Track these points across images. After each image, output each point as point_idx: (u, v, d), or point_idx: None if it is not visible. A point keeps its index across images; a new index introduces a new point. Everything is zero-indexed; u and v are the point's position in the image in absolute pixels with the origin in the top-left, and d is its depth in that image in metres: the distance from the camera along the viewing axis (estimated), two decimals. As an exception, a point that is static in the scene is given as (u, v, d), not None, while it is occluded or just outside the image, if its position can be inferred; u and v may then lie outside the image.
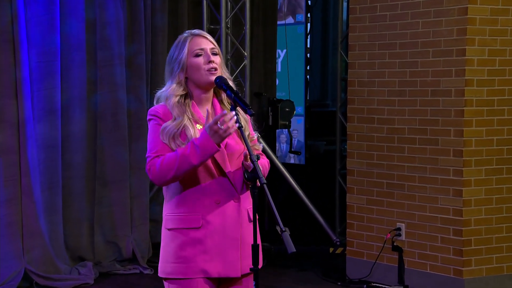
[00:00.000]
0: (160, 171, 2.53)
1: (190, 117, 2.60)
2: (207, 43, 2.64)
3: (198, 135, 2.55)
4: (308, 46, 7.35)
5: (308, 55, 7.34)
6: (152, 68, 5.90)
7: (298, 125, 7.25)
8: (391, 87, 5.15)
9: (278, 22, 6.90)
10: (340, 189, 6.28)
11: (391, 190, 5.13)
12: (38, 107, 5.22)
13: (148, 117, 2.65)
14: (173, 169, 2.51)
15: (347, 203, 5.43)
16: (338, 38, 6.39)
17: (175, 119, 2.58)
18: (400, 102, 5.09)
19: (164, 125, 2.59)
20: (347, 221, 5.44)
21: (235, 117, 2.49)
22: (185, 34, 2.67)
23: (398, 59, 5.09)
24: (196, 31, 2.67)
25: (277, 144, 6.69)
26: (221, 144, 2.51)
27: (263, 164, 2.69)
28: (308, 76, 7.42)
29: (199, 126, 2.59)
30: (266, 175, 2.65)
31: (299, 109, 7.24)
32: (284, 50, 7.24)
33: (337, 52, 6.39)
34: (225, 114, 2.49)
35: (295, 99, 6.74)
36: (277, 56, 7.05)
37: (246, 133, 2.63)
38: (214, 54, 2.64)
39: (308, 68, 7.41)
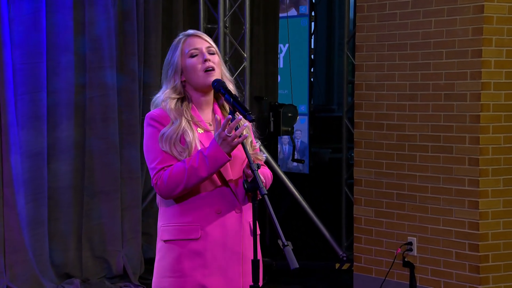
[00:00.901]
0: (168, 185, 2.54)
1: (189, 119, 2.61)
2: (202, 42, 2.66)
3: (197, 140, 2.57)
4: (312, 46, 7.35)
5: (312, 56, 7.34)
6: (145, 70, 5.91)
7: (301, 126, 7.24)
8: (401, 91, 5.15)
9: (280, 15, 6.88)
10: (346, 200, 6.28)
11: (401, 201, 5.14)
12: (22, 112, 5.22)
13: (146, 122, 2.65)
14: (182, 183, 2.52)
15: (354, 216, 5.44)
16: (345, 38, 6.38)
17: (172, 123, 2.59)
18: (411, 107, 5.10)
19: (162, 131, 2.59)
20: (354, 234, 5.44)
21: (245, 125, 2.50)
22: (179, 37, 2.70)
23: (409, 61, 5.10)
24: (190, 31, 2.70)
25: (278, 146, 6.67)
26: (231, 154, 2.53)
27: (265, 175, 2.68)
28: (312, 79, 7.42)
29: (200, 130, 2.60)
30: (268, 187, 2.65)
31: (303, 107, 7.24)
32: (287, 45, 7.23)
33: (343, 53, 6.38)
34: (229, 119, 2.49)
35: (298, 97, 6.73)
36: (278, 51, 7.03)
37: (248, 141, 2.63)
38: (211, 53, 2.65)
39: (312, 70, 7.41)
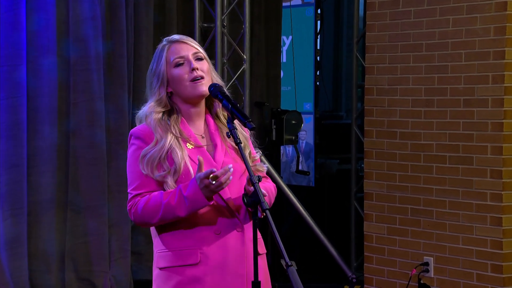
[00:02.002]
0: (142, 215, 2.56)
1: (178, 135, 2.61)
2: (188, 48, 2.66)
3: (187, 158, 2.57)
4: (318, 47, 7.34)
5: (318, 58, 7.34)
6: (135, 73, 5.91)
7: (306, 125, 7.25)
8: (416, 96, 5.15)
9: (283, 4, 6.90)
10: (356, 215, 6.27)
11: (416, 217, 5.13)
12: (0, 120, 5.20)
13: (128, 140, 2.65)
14: (157, 217, 2.55)
15: (365, 233, 5.44)
16: (354, 38, 6.37)
17: (157, 141, 2.58)
18: (427, 114, 5.10)
19: (144, 151, 2.58)
20: (365, 254, 5.44)
21: (231, 171, 2.50)
22: (163, 43, 2.70)
23: (425, 63, 5.10)
24: (175, 36, 2.70)
25: (281, 148, 6.67)
26: (213, 197, 2.55)
27: (268, 189, 2.67)
28: (318, 83, 7.42)
29: (189, 146, 2.60)
30: (272, 202, 2.66)
31: (308, 105, 7.24)
32: (290, 37, 7.22)
33: (352, 55, 6.38)
34: (214, 172, 2.49)
35: (303, 94, 6.71)
36: (281, 44, 7.03)
37: (246, 152, 2.65)
38: (198, 59, 2.66)
39: (318, 73, 7.42)
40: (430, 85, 5.07)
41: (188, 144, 2.61)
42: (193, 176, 2.56)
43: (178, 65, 2.63)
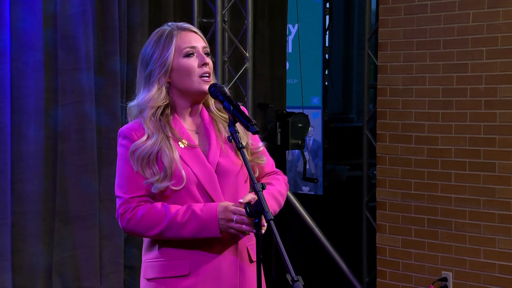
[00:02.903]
0: (139, 224, 2.55)
1: (169, 135, 2.61)
2: (199, 40, 2.67)
3: (178, 160, 2.56)
4: (327, 44, 7.33)
5: (327, 56, 7.35)
6: (128, 73, 5.89)
7: (314, 121, 7.25)
8: (433, 97, 5.15)
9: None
10: (368, 226, 6.25)
11: (434, 228, 5.13)
12: (-18, 123, 5.23)
13: (118, 141, 2.66)
14: (156, 229, 2.54)
15: (377, 245, 5.45)
16: (365, 35, 6.34)
17: (148, 137, 2.57)
18: (445, 116, 5.10)
19: (134, 146, 2.57)
20: (378, 268, 5.45)
21: (260, 226, 2.50)
22: (168, 28, 2.68)
23: (442, 61, 5.11)
24: (183, 24, 2.70)
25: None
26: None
27: (277, 193, 2.67)
28: (326, 83, 7.42)
29: (181, 144, 2.61)
30: (281, 204, 2.68)
31: (316, 100, 7.25)
32: (296, 25, 7.21)
33: (363, 53, 6.35)
34: (243, 214, 2.50)
35: (310, 87, 6.69)
36: (287, 33, 7.03)
37: (244, 143, 2.64)
38: (207, 54, 2.68)
39: (326, 72, 7.42)
40: (448, 85, 5.08)
41: (180, 142, 2.61)
42: (184, 180, 2.57)
43: (188, 55, 2.63)
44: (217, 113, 2.71)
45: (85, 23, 5.53)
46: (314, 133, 7.37)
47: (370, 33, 6.28)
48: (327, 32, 7.41)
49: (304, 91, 6.74)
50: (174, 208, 2.56)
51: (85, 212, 5.53)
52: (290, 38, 7.33)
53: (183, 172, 2.57)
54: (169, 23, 2.70)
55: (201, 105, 2.70)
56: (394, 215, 5.31)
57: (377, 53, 5.53)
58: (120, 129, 2.65)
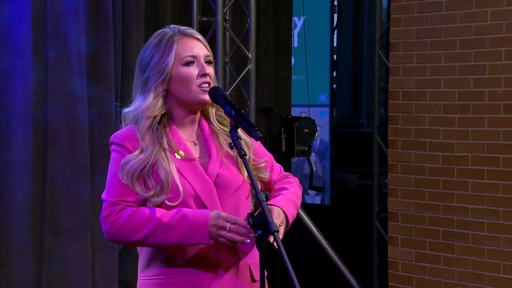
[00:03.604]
0: (123, 227, 2.53)
1: (166, 147, 2.62)
2: (201, 48, 2.69)
3: (175, 173, 2.58)
4: (335, 44, 7.33)
5: (335, 56, 7.35)
6: (123, 74, 5.90)
7: (321, 120, 7.26)
8: (449, 101, 5.15)
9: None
10: (379, 239, 6.28)
11: (450, 241, 5.12)
12: (-33, 128, 5.23)
13: (111, 147, 2.66)
14: (141, 233, 2.52)
15: (389, 259, 5.44)
16: (376, 34, 6.39)
17: (142, 151, 2.58)
18: (462, 121, 5.11)
19: (125, 159, 2.58)
20: (389, 284, 5.45)
21: (251, 236, 2.52)
22: (169, 31, 2.69)
23: (459, 63, 5.11)
24: (186, 29, 2.70)
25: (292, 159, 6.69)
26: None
27: (293, 198, 2.70)
28: (334, 86, 7.42)
29: (178, 156, 2.62)
30: (299, 207, 2.72)
31: (323, 97, 7.25)
32: (302, 18, 7.21)
33: (374, 53, 6.40)
34: (240, 224, 2.51)
35: (316, 83, 6.68)
36: (292, 26, 7.03)
37: (246, 157, 2.64)
38: (208, 63, 2.69)
39: (334, 74, 7.42)
40: (465, 88, 5.08)
41: (176, 154, 2.62)
42: (181, 194, 2.57)
43: (188, 63, 2.64)
44: (218, 125, 2.72)
45: (77, 21, 5.52)
46: (321, 133, 7.38)
47: (381, 33, 6.33)
48: (335, 31, 7.41)
49: (310, 88, 6.73)
50: (162, 211, 2.55)
51: (77, 223, 5.52)
52: (295, 32, 7.33)
53: (180, 186, 2.58)
54: (172, 26, 2.70)
55: (199, 115, 2.71)
56: (407, 227, 5.31)
57: (388, 54, 5.54)
58: (112, 136, 2.65)
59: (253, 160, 2.71)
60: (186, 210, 2.53)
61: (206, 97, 2.64)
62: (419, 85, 5.28)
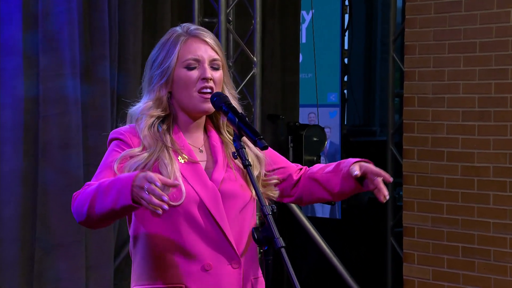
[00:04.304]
0: (79, 201, 2.53)
1: (169, 145, 2.62)
2: (207, 50, 2.68)
3: (178, 173, 2.58)
4: (346, 47, 7.33)
5: (346, 60, 7.34)
6: (120, 79, 5.91)
7: (331, 121, 7.27)
8: (468, 107, 5.15)
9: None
10: (393, 256, 6.27)
11: (470, 258, 5.12)
12: (-48, 138, 5.25)
13: (110, 137, 2.67)
14: (87, 204, 2.49)
15: (404, 277, 5.44)
16: (390, 36, 6.40)
17: (144, 148, 2.59)
18: (482, 129, 5.10)
19: (126, 153, 2.57)
20: None
21: (181, 193, 2.47)
22: (178, 30, 2.71)
23: (479, 66, 5.12)
24: (195, 29, 2.71)
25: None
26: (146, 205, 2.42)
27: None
28: (345, 91, 7.40)
29: (181, 160, 2.63)
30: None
31: (333, 96, 7.22)
32: (310, 12, 7.21)
33: (388, 56, 6.41)
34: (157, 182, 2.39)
35: (326, 82, 6.64)
36: (300, 20, 7.03)
37: (256, 173, 2.67)
38: (215, 68, 2.69)
39: (345, 79, 7.40)
40: (486, 94, 5.08)
41: (179, 157, 2.62)
42: (183, 195, 2.56)
43: (189, 67, 2.65)
44: (228, 137, 2.72)
45: (70, 23, 5.52)
46: (331, 135, 7.37)
47: (395, 35, 6.33)
48: (346, 33, 7.40)
49: (320, 87, 6.69)
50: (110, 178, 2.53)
51: (69, 239, 5.50)
52: (304, 26, 7.33)
53: (183, 186, 2.57)
54: (183, 24, 2.71)
55: (204, 121, 2.70)
56: (424, 242, 5.29)
57: (403, 58, 5.55)
58: (112, 132, 2.65)
59: (264, 175, 2.71)
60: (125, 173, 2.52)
61: (207, 106, 2.64)
62: (436, 91, 5.27)
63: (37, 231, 5.47)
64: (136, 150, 2.59)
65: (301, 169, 2.82)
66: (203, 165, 2.66)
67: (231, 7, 5.91)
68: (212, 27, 5.98)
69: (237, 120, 2.57)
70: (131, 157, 2.58)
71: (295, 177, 2.79)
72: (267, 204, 2.50)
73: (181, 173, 2.60)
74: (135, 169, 2.55)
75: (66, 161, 5.51)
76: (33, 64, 5.48)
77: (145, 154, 2.58)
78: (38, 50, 5.48)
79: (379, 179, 2.62)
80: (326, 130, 7.09)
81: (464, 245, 5.12)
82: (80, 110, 5.57)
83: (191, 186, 2.59)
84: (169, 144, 2.61)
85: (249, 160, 2.55)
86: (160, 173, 2.55)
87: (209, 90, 2.64)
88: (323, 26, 7.21)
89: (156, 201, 2.35)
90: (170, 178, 2.54)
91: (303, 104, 6.74)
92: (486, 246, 5.03)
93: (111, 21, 5.76)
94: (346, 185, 2.69)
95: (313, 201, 2.82)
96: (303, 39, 7.31)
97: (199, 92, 2.63)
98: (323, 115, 6.53)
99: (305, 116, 7.47)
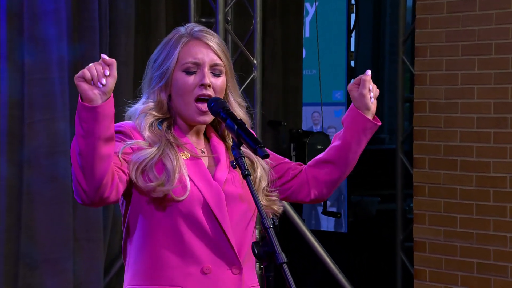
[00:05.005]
0: (73, 182, 2.50)
1: (172, 140, 2.66)
2: (209, 54, 2.69)
3: (183, 166, 2.61)
4: (352, 49, 7.32)
5: (352, 63, 7.34)
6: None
7: (337, 120, 7.31)
8: (483, 113, 5.16)
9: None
10: (403, 272, 6.28)
11: (485, 275, 5.11)
12: None
13: None
14: (75, 151, 2.46)
15: None
16: (399, 37, 6.41)
17: (149, 144, 2.63)
18: (498, 137, 5.12)
19: (133, 142, 2.59)
20: None
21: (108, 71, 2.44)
22: (180, 30, 2.73)
23: (494, 70, 5.13)
24: (198, 31, 2.72)
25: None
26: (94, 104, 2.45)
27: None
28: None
29: (184, 156, 2.65)
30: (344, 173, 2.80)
31: (338, 94, 7.23)
32: (314, 5, 7.23)
33: (397, 59, 6.42)
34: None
35: (331, 79, 6.61)
36: (304, 13, 7.05)
37: (262, 185, 2.69)
38: (216, 74, 2.70)
39: (352, 82, 7.42)
40: (502, 99, 5.08)
41: (182, 154, 2.64)
42: (188, 190, 2.58)
43: (188, 71, 2.66)
44: (231, 141, 2.73)
45: (57, 23, 5.52)
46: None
47: (405, 35, 6.34)
48: (352, 34, 7.40)
49: (324, 84, 6.67)
50: None
51: (56, 254, 5.50)
52: (307, 20, 7.34)
53: (188, 184, 2.59)
54: (188, 24, 2.72)
55: (204, 126, 2.71)
56: (436, 258, 5.30)
57: (413, 60, 5.55)
58: (116, 124, 2.63)
59: (266, 190, 2.72)
60: None
61: (202, 119, 2.66)
62: (449, 96, 5.28)
63: (22, 245, 5.46)
64: (142, 143, 2.61)
65: (301, 165, 2.84)
66: (205, 163, 2.68)
67: (229, 6, 5.90)
68: (209, 28, 5.95)
69: (235, 127, 2.57)
70: (138, 149, 2.59)
71: (294, 170, 2.81)
72: (269, 216, 2.49)
73: (187, 169, 2.63)
74: (141, 162, 2.57)
75: (53, 170, 5.51)
76: (18, 67, 5.48)
77: (153, 149, 2.59)
78: (23, 52, 5.48)
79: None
80: (331, 130, 7.09)
81: (479, 261, 5.12)
82: (69, 116, 5.56)
83: (194, 184, 2.60)
84: (172, 139, 2.62)
85: (249, 170, 2.54)
86: (165, 167, 2.59)
87: (206, 98, 2.64)
88: (328, 19, 7.19)
89: (93, 72, 2.40)
90: (175, 173, 2.57)
91: (306, 103, 6.73)
92: (503, 262, 5.02)
93: (101, 21, 5.77)
94: (348, 134, 2.78)
95: (320, 187, 2.82)
96: (307, 33, 7.30)
97: (196, 100, 2.63)
98: (328, 115, 6.51)
99: (309, 115, 7.46)
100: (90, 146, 2.41)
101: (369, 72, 2.78)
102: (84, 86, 2.40)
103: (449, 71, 5.27)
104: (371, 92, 2.79)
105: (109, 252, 5.91)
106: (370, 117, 2.77)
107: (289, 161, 2.84)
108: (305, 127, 7.16)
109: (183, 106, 2.65)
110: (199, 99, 2.63)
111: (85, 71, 2.41)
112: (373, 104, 2.79)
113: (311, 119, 7.47)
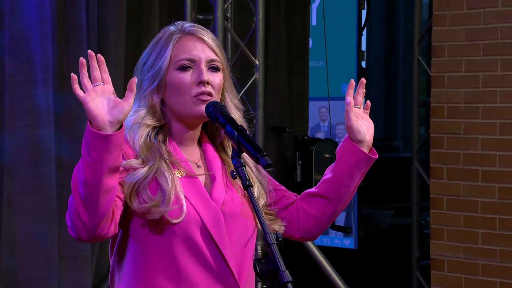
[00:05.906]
0: (68, 214, 2.49)
1: (166, 157, 2.64)
2: (204, 49, 2.70)
3: (179, 186, 2.61)
4: (363, 48, 7.33)
5: (363, 63, 7.34)
6: None
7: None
8: (506, 119, 5.19)
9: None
10: None
11: None
12: None
13: None
14: (77, 183, 2.46)
15: None
16: (414, 36, 6.41)
17: (143, 162, 2.61)
18: None
19: (126, 163, 2.57)
20: None
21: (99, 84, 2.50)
22: (171, 28, 2.74)
23: None
24: (190, 26, 2.73)
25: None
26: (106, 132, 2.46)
27: None
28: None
29: (178, 174, 2.65)
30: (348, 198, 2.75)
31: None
32: None
33: (412, 59, 6.43)
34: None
35: (339, 71, 6.58)
36: (310, 18, 7.10)
37: (261, 201, 2.70)
38: (214, 69, 2.70)
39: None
40: None
41: (177, 171, 2.63)
42: (184, 212, 2.57)
43: (184, 68, 2.65)
44: (228, 151, 2.74)
45: (41, 21, 5.54)
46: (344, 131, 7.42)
47: (420, 34, 6.36)
48: (363, 32, 7.39)
49: (333, 77, 6.65)
50: None
51: (39, 273, 5.51)
52: (314, 6, 7.33)
53: (184, 204, 2.58)
54: (177, 22, 2.71)
55: (199, 132, 2.70)
56: (455, 277, 5.31)
57: (430, 60, 5.56)
58: None
59: (266, 208, 2.72)
60: None
61: (203, 108, 2.64)
62: (469, 99, 5.28)
63: (1, 263, 5.47)
64: (134, 162, 2.59)
65: (297, 196, 2.81)
66: (201, 181, 2.67)
67: (229, 2, 5.90)
68: (207, 26, 5.95)
69: (236, 133, 2.55)
70: (131, 169, 2.58)
71: (288, 200, 2.78)
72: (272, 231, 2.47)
73: (182, 188, 2.62)
74: (135, 184, 2.56)
75: (36, 181, 5.53)
76: (-2, 68, 5.53)
77: (146, 168, 2.58)
78: (4, 53, 5.50)
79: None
80: (340, 127, 7.07)
81: (502, 281, 5.13)
82: (53, 122, 5.59)
83: (191, 204, 2.59)
84: (166, 156, 2.61)
85: (250, 181, 2.52)
86: (161, 187, 2.58)
87: (205, 96, 2.63)
88: (336, 6, 7.19)
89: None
90: (171, 193, 2.57)
91: (313, 97, 6.71)
92: (528, 281, 5.05)
93: (89, 18, 5.78)
94: (340, 167, 2.74)
95: (309, 222, 2.78)
96: (313, 21, 7.29)
97: (195, 97, 2.62)
98: (336, 110, 6.47)
99: (315, 111, 7.44)
100: (97, 177, 2.41)
101: (348, 99, 2.71)
102: (93, 109, 2.44)
103: (469, 72, 5.28)
104: (359, 119, 2.71)
105: (97, 271, 5.90)
106: (364, 148, 2.71)
107: (285, 189, 2.81)
108: (311, 123, 7.14)
109: (179, 105, 2.64)
110: (198, 96, 2.62)
111: (84, 83, 2.43)
112: (368, 135, 2.71)
113: (318, 115, 7.43)
